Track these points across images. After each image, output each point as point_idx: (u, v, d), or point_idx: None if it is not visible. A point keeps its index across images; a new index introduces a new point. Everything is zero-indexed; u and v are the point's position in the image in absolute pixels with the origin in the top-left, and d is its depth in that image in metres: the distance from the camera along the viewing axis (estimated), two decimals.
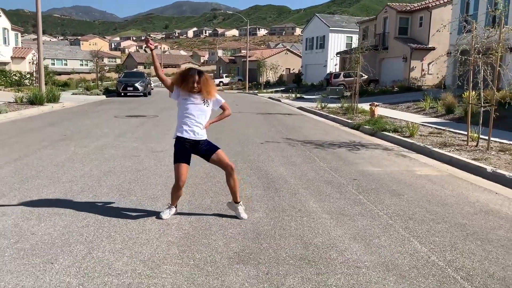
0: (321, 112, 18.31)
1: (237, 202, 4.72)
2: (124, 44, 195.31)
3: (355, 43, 20.11)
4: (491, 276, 3.47)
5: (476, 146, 9.34)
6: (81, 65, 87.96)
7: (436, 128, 12.55)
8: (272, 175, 6.78)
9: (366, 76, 31.15)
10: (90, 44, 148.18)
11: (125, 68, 79.47)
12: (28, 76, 36.28)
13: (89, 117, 15.26)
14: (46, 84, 24.10)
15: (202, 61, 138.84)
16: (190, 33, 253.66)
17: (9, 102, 18.22)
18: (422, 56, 32.58)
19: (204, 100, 4.51)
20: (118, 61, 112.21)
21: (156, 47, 4.84)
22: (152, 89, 35.68)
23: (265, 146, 9.50)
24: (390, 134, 11.33)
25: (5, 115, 14.51)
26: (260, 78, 52.01)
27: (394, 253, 3.86)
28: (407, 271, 3.49)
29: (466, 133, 9.94)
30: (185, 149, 4.54)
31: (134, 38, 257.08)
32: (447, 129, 12.05)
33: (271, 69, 54.81)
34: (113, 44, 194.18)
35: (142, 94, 29.18)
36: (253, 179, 6.47)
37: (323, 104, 20.16)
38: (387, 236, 4.26)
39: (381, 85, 33.98)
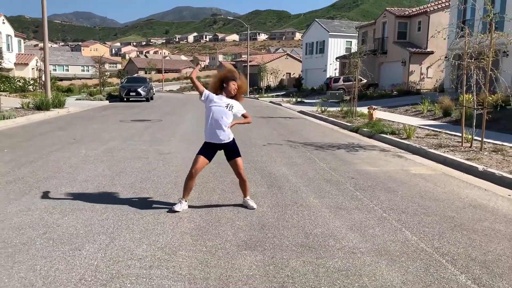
0: (321, 116, 18.74)
1: (245, 197, 5.29)
2: (124, 49, 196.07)
3: (354, 48, 20.50)
4: (473, 259, 3.86)
5: (470, 147, 9.73)
6: (83, 70, 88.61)
7: (432, 130, 12.95)
8: (275, 174, 7.19)
9: (365, 80, 31.57)
10: (91, 50, 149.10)
11: (126, 73, 80.00)
12: (32, 82, 36.74)
13: (96, 121, 15.69)
14: (51, 90, 24.51)
15: (202, 66, 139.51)
16: (191, 38, 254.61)
17: (16, 108, 18.64)
18: (421, 60, 33.03)
19: (227, 105, 5.01)
20: (119, 66, 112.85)
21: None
22: (154, 94, 36.13)
23: (268, 148, 9.91)
24: (388, 136, 11.74)
25: (14, 120, 14.94)
26: (261, 83, 52.45)
27: (387, 241, 4.26)
28: (397, 256, 3.89)
29: (461, 135, 10.33)
30: (210, 149, 5.11)
31: (134, 43, 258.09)
32: (443, 131, 12.46)
33: (271, 73, 55.25)
34: (113, 49, 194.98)
35: (144, 99, 29.63)
36: (257, 178, 6.88)
37: (323, 108, 20.59)
38: (381, 227, 4.66)
39: (380, 88, 34.42)
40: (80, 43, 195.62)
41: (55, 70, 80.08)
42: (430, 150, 9.51)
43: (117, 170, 7.28)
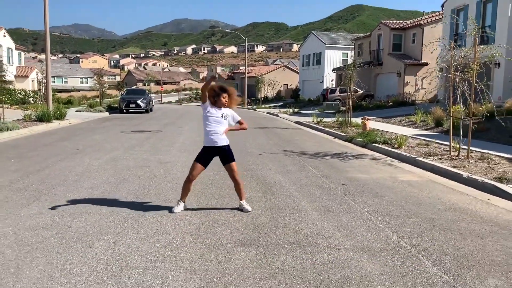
0: (317, 126, 19.21)
1: (241, 200, 5.72)
2: (123, 61, 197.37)
3: (350, 60, 21.04)
4: (446, 254, 4.28)
5: (458, 155, 10.17)
6: (81, 82, 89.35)
7: (424, 140, 13.40)
8: (270, 181, 7.62)
9: (361, 91, 32.16)
10: (89, 62, 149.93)
11: (125, 85, 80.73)
12: (32, 94, 37.24)
13: (97, 132, 16.12)
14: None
15: (201, 77, 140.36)
16: (189, 50, 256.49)
17: (18, 120, 19.07)
18: (416, 72, 33.65)
19: (222, 114, 5.52)
20: (118, 78, 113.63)
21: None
22: (153, 105, 36.63)
23: (263, 157, 10.34)
24: (380, 145, 12.18)
25: (17, 131, 15.36)
26: (259, 94, 53.10)
27: (370, 239, 4.67)
28: (378, 252, 4.30)
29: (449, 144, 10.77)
30: (207, 154, 5.58)
31: (133, 55, 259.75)
32: (434, 140, 12.91)
33: (269, 85, 55.97)
34: (112, 61, 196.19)
35: (144, 110, 30.10)
36: (252, 184, 7.30)
37: (319, 119, 21.07)
38: (365, 228, 5.07)
39: (376, 99, 35.01)
40: (79, 55, 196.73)
41: (54, 82, 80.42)
42: (419, 158, 9.95)
43: (121, 177, 7.69)
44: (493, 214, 5.78)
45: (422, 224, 5.27)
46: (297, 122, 22.83)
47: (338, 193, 6.83)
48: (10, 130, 15.10)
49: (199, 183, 6.97)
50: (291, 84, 61.86)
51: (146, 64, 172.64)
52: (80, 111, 30.82)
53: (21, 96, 35.72)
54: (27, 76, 43.73)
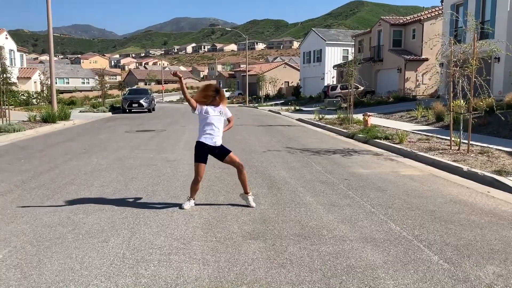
0: (319, 123, 19.40)
1: (247, 193, 5.89)
2: (124, 61, 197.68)
3: (351, 56, 21.20)
4: (447, 244, 4.47)
5: (458, 149, 10.35)
6: (83, 83, 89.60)
7: (425, 135, 13.57)
8: (275, 177, 7.81)
9: (362, 88, 32.30)
10: (90, 62, 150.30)
11: (126, 85, 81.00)
12: (35, 95, 37.47)
13: (102, 132, 16.33)
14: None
15: (202, 76, 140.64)
16: (189, 49, 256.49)
17: (24, 121, 19.29)
18: (416, 67, 33.78)
19: (220, 112, 5.68)
20: (119, 78, 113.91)
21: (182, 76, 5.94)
22: (155, 105, 36.82)
23: (267, 154, 10.54)
24: (381, 141, 12.37)
25: (24, 132, 15.58)
26: (260, 92, 53.23)
27: (373, 231, 4.86)
28: (381, 242, 4.50)
29: (450, 138, 10.95)
30: (204, 151, 5.74)
31: (133, 55, 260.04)
32: (435, 135, 13.09)
33: (270, 82, 56.07)
34: (113, 61, 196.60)
35: (147, 110, 30.30)
36: (258, 181, 7.50)
37: (320, 116, 21.25)
38: (368, 220, 5.27)
39: (377, 95, 35.15)
40: (80, 55, 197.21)
41: (56, 83, 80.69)
42: (420, 153, 10.13)
43: (129, 176, 7.89)
44: (492, 206, 5.97)
45: (423, 216, 5.46)
46: (299, 120, 23.01)
47: (341, 187, 7.02)
48: (17, 131, 15.32)
49: (206, 180, 7.16)
50: (292, 82, 62.00)
51: (147, 63, 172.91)
52: (83, 111, 31.05)
53: (24, 97, 35.95)
54: (30, 78, 43.98)
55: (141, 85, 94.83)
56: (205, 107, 5.70)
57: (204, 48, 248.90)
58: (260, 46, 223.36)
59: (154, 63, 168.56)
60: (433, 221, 5.24)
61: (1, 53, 17.47)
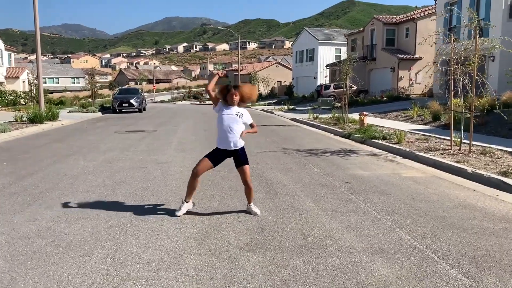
0: (313, 123, 19.01)
1: (249, 203, 5.47)
2: (114, 60, 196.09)
3: (343, 55, 20.89)
4: (463, 255, 4.09)
5: (459, 150, 10.02)
6: (73, 83, 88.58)
7: (422, 134, 13.25)
8: (272, 180, 7.40)
9: (355, 87, 31.98)
10: (81, 62, 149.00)
11: (117, 84, 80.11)
12: (23, 95, 36.73)
13: (91, 133, 15.82)
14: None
15: (193, 75, 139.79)
16: (181, 48, 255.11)
17: (10, 121, 18.69)
18: (409, 66, 33.55)
19: (237, 113, 5.21)
20: (110, 78, 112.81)
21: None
22: (146, 104, 36.27)
23: (262, 155, 10.12)
24: (379, 141, 12.01)
25: (9, 133, 15.02)
26: None
27: (382, 240, 4.47)
28: (392, 254, 4.11)
29: (450, 138, 10.61)
30: (219, 155, 5.32)
31: (124, 54, 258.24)
32: (433, 135, 12.75)
33: (262, 82, 55.70)
34: (103, 61, 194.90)
35: (137, 110, 29.77)
36: (254, 184, 7.00)
37: (315, 115, 20.86)
38: (375, 228, 4.88)
39: (371, 95, 34.88)
40: (70, 55, 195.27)
41: (45, 82, 79.61)
42: (420, 153, 9.78)
43: (117, 180, 7.44)
44: (504, 211, 5.61)
45: (433, 222, 5.09)
46: (293, 119, 22.61)
47: (342, 191, 6.63)
48: (1, 132, 14.75)
49: (199, 184, 6.72)
50: (285, 81, 61.67)
51: (138, 63, 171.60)
52: (72, 111, 30.39)
53: (12, 97, 35.23)
54: (18, 77, 43.18)
55: (132, 84, 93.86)
56: (220, 105, 5.28)
57: (196, 47, 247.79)
58: (252, 45, 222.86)
59: (146, 63, 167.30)
60: (444, 228, 4.87)
61: None
